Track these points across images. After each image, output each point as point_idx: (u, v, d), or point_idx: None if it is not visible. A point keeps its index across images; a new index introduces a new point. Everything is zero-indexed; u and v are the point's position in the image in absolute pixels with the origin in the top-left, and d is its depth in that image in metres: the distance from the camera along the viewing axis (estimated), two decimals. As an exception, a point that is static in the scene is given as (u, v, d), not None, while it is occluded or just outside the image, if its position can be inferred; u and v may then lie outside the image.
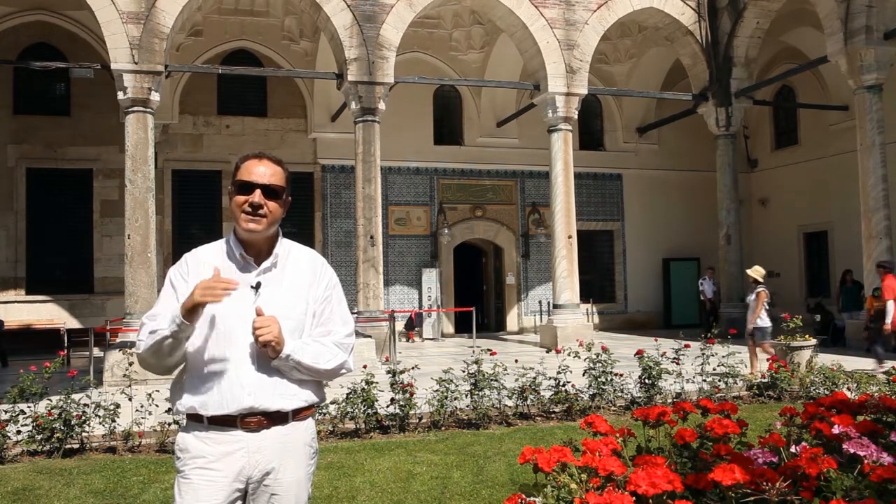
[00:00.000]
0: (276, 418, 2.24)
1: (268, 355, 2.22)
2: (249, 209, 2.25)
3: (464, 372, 7.91)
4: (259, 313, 2.20)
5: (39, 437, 6.77)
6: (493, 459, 6.22)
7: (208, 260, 2.32)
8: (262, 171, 2.29)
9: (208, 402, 2.21)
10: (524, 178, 20.98)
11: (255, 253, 2.33)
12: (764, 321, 11.00)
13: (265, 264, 2.32)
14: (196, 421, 2.25)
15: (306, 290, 2.35)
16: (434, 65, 19.91)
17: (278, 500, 2.26)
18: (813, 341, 10.62)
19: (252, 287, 2.28)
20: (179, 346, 2.21)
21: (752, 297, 11.26)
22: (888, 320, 11.30)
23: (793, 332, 10.48)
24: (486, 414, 7.80)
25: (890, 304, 11.26)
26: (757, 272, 11.44)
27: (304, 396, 2.30)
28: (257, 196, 2.25)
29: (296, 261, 2.39)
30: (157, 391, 7.00)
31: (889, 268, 12.05)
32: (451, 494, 5.27)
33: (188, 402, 2.23)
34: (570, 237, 15.86)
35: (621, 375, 8.51)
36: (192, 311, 2.14)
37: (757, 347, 11.10)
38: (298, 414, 2.30)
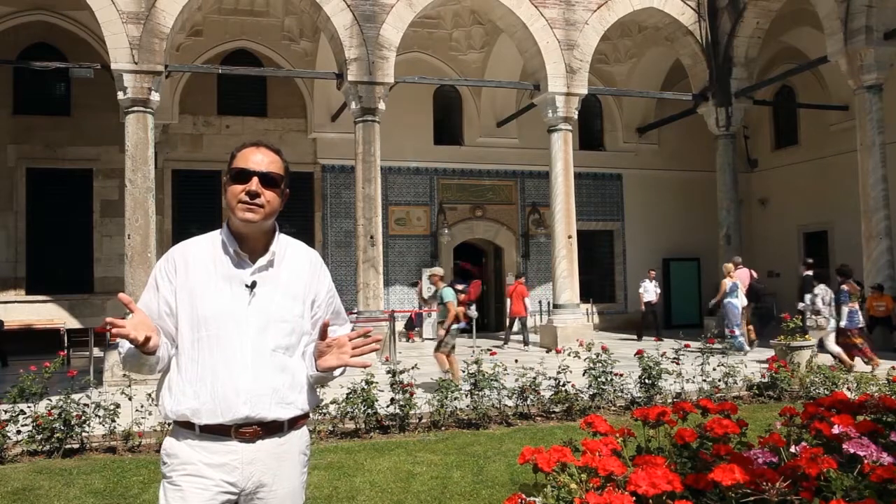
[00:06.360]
0: (273, 428, 2.12)
1: (324, 370, 2.18)
2: (246, 198, 2.11)
3: (464, 372, 7.91)
4: (325, 335, 2.16)
5: (39, 437, 6.76)
6: (493, 459, 6.22)
7: (197, 256, 2.17)
8: (260, 159, 2.15)
9: (201, 409, 2.06)
10: (524, 178, 20.97)
11: (249, 249, 2.17)
12: None
13: (261, 262, 2.17)
14: (187, 428, 2.10)
15: (304, 291, 2.22)
16: (434, 65, 19.90)
17: None
18: (813, 341, 10.62)
19: (247, 286, 2.13)
20: (151, 364, 2.10)
21: None
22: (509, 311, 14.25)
23: (792, 332, 10.50)
24: (486, 414, 7.80)
25: (508, 300, 13.84)
26: None
27: (301, 404, 2.18)
28: (254, 184, 2.11)
29: (292, 259, 2.24)
30: (157, 391, 6.99)
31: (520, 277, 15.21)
32: (451, 494, 5.27)
33: (179, 408, 2.09)
34: (570, 237, 15.85)
35: (621, 375, 8.52)
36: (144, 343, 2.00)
37: None
38: (295, 423, 2.18)
